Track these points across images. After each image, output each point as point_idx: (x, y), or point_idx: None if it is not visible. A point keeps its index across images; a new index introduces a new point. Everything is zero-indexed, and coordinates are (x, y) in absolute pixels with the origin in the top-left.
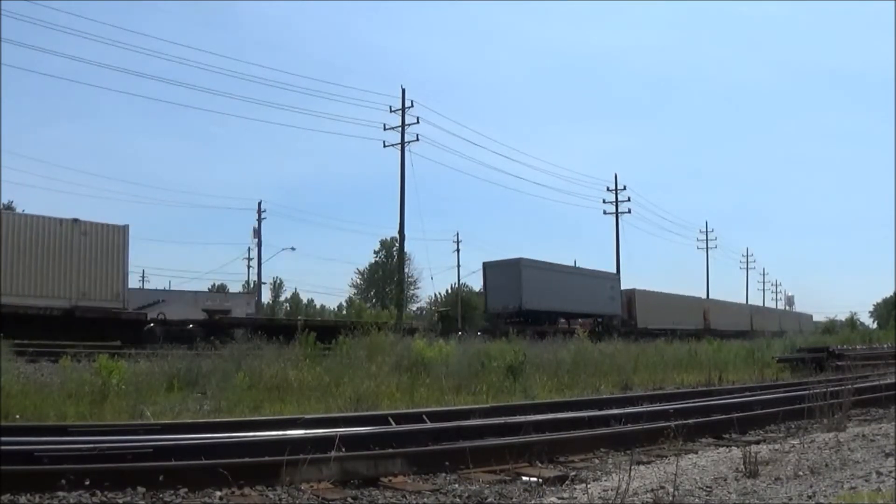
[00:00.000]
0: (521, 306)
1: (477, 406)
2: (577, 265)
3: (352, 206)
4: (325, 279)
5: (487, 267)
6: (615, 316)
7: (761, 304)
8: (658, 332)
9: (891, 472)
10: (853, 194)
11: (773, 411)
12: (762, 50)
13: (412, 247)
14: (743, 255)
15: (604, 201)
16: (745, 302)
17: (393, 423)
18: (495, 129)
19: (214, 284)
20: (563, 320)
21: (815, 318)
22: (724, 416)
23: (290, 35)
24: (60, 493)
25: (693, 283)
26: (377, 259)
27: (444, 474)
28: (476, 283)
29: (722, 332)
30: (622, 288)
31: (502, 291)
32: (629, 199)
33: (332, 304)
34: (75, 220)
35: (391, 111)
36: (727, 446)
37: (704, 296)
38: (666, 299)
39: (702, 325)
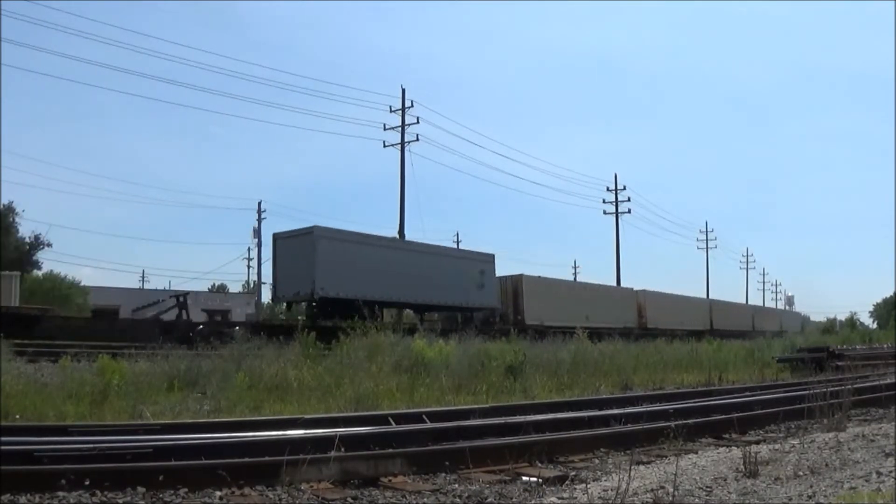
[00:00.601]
0: (313, 293)
1: (477, 406)
2: (451, 246)
3: (352, 206)
4: None
5: (278, 240)
6: (491, 309)
7: (730, 300)
8: (559, 331)
9: (891, 472)
10: (853, 194)
11: (773, 411)
12: (762, 50)
13: None
14: (743, 255)
15: (604, 201)
16: (705, 296)
17: (393, 423)
18: (495, 129)
19: (214, 284)
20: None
21: (815, 318)
22: (724, 416)
23: (290, 35)
24: (60, 493)
25: (693, 284)
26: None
27: (444, 474)
28: None
29: (667, 331)
30: (506, 274)
31: (294, 273)
32: (629, 199)
33: None
34: None
35: (391, 111)
36: (727, 446)
37: (707, 294)
38: (571, 290)
39: (635, 322)
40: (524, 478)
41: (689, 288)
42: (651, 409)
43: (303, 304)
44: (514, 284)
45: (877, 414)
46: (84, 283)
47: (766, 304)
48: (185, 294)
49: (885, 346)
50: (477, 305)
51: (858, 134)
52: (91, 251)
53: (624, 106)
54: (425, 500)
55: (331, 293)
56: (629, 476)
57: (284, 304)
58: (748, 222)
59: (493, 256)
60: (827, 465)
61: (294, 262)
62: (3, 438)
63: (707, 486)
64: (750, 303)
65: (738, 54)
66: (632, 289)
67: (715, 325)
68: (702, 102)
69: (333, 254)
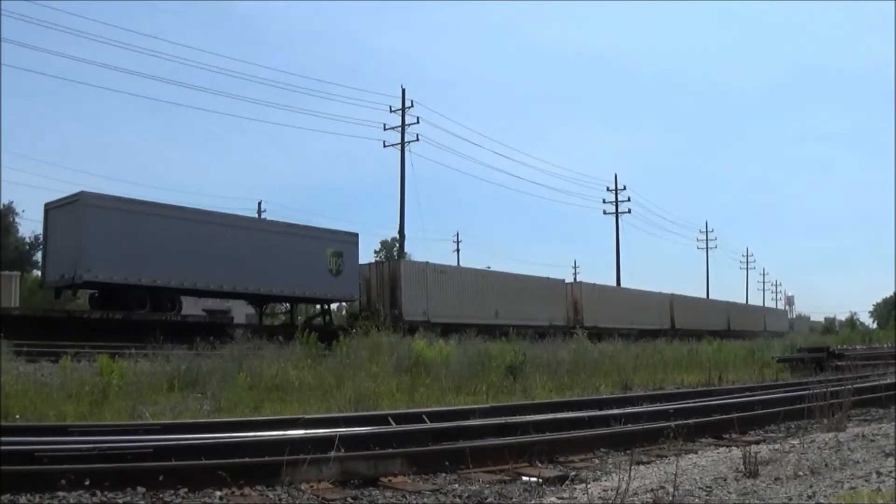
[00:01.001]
0: (75, 276)
1: (477, 406)
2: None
3: (352, 206)
4: None
5: (49, 210)
6: (350, 300)
7: (686, 294)
8: (452, 328)
9: (891, 472)
10: (853, 194)
11: (773, 411)
12: (762, 50)
13: (412, 247)
14: (743, 255)
15: (604, 201)
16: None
17: (393, 423)
18: (496, 129)
19: None
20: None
21: (815, 318)
22: (724, 416)
23: (290, 35)
24: (60, 493)
25: (694, 284)
26: (377, 259)
27: (444, 474)
28: None
29: (611, 330)
30: (380, 259)
31: (62, 252)
32: (629, 199)
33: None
34: None
35: (391, 111)
36: (727, 446)
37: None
38: (474, 280)
39: (567, 319)
40: (524, 478)
41: (689, 288)
42: (651, 409)
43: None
44: (392, 272)
45: (877, 414)
46: None
47: (767, 304)
48: None
49: (885, 346)
50: (329, 296)
51: (858, 134)
52: None
53: (624, 106)
54: (425, 500)
55: (101, 277)
56: (629, 476)
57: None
58: (748, 222)
59: (355, 236)
60: (827, 465)
61: (62, 239)
62: (3, 438)
63: (707, 486)
64: (728, 300)
65: (739, 54)
66: (562, 280)
67: (678, 324)
68: (702, 102)
69: (109, 227)
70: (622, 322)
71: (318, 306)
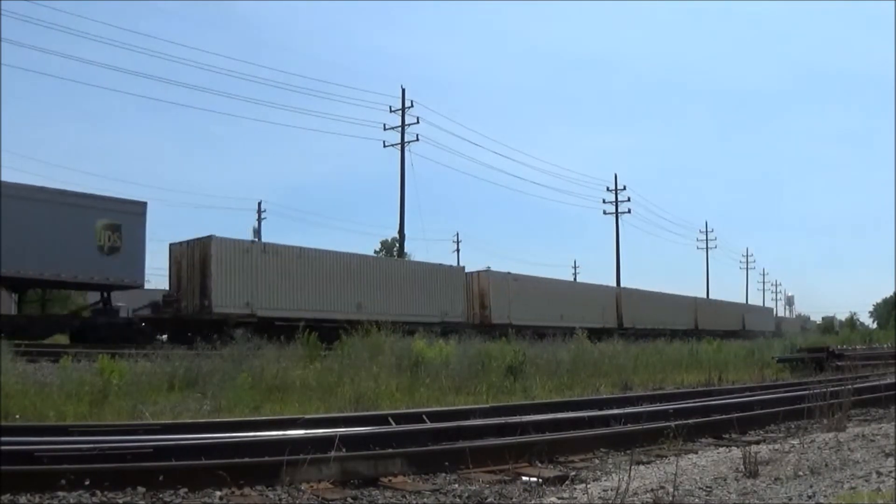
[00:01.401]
0: None
1: (477, 406)
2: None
3: (352, 206)
4: None
5: None
6: (135, 287)
7: (618, 285)
8: (287, 324)
9: (891, 472)
10: (853, 194)
11: (773, 411)
12: (762, 50)
13: (412, 247)
14: (743, 255)
15: (604, 201)
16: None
17: (393, 423)
18: (495, 129)
19: None
20: None
21: (814, 318)
22: (723, 416)
23: (290, 35)
24: (60, 493)
25: (694, 284)
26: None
27: (444, 474)
28: None
29: (529, 328)
30: (191, 237)
31: None
32: (629, 199)
33: None
34: None
35: (391, 111)
36: (727, 446)
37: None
38: (333, 265)
39: (467, 314)
40: (524, 478)
41: (689, 288)
42: (651, 409)
43: None
44: (202, 253)
45: (877, 414)
46: None
47: (767, 304)
48: None
49: (885, 346)
50: (99, 280)
51: (859, 134)
52: None
53: (624, 106)
54: (425, 500)
55: None
56: (629, 476)
57: None
58: (748, 222)
59: (141, 206)
60: (827, 465)
61: None
62: (3, 438)
63: (707, 486)
64: (696, 296)
65: (739, 54)
66: (461, 268)
67: (627, 322)
68: (702, 102)
69: None
70: (547, 320)
71: (94, 294)
